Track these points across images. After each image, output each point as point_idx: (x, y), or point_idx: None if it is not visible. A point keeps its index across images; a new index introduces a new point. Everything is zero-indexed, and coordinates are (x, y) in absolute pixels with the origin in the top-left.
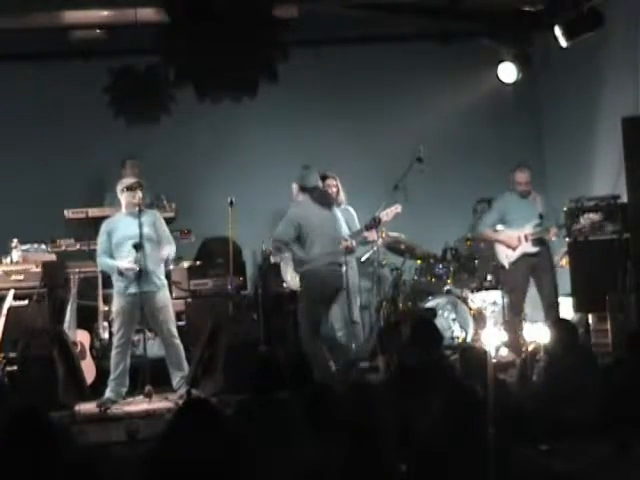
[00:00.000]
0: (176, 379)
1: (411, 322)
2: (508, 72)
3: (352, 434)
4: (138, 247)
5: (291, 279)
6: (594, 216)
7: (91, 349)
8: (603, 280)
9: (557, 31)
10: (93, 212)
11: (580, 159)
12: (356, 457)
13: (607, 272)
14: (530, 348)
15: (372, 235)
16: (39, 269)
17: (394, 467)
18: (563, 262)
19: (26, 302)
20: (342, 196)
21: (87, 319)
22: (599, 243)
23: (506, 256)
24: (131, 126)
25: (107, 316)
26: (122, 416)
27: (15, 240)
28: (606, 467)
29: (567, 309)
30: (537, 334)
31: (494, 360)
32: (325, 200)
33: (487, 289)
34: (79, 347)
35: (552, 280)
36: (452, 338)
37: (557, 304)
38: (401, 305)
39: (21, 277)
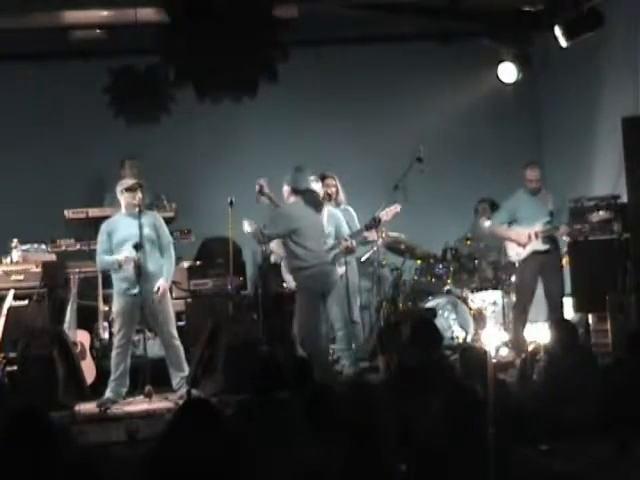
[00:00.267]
0: (176, 379)
1: (411, 322)
2: (508, 72)
3: (352, 434)
4: (138, 247)
5: (291, 279)
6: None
7: (91, 349)
8: (603, 280)
9: (557, 31)
10: (93, 212)
11: (580, 159)
12: (356, 457)
13: (607, 272)
14: (530, 348)
15: (372, 235)
16: (39, 269)
17: (394, 467)
18: (563, 262)
19: (26, 302)
20: (342, 196)
21: (87, 319)
22: (599, 243)
23: (516, 253)
24: (131, 126)
25: (107, 316)
26: (122, 416)
27: (15, 240)
28: (606, 467)
29: (567, 309)
30: (537, 334)
31: (494, 360)
32: (315, 203)
33: (487, 289)
34: (79, 347)
35: (560, 280)
36: (452, 338)
37: (562, 304)
38: (401, 305)
39: (21, 277)
